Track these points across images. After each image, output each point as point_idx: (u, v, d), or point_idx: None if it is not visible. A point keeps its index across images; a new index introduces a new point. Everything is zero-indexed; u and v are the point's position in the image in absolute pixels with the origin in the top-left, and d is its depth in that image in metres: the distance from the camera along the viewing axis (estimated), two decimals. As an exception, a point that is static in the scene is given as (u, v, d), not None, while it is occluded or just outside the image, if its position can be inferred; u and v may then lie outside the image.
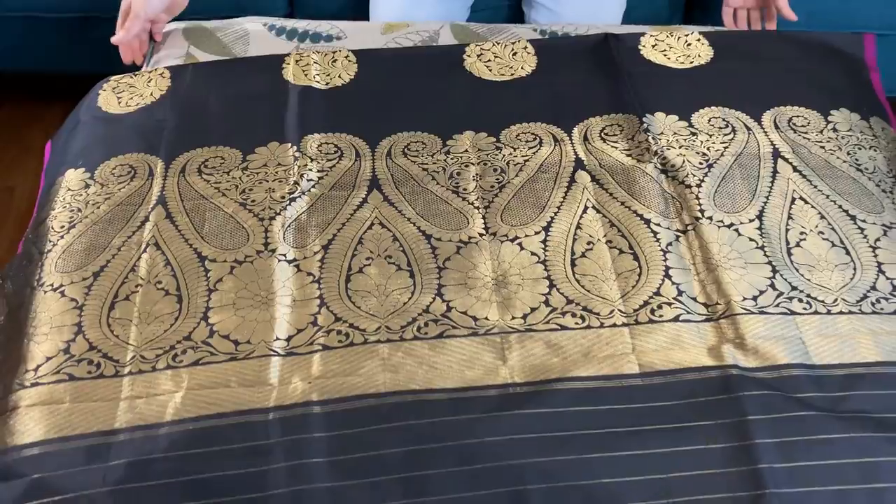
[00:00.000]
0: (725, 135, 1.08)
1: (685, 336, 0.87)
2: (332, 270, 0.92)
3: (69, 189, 1.03)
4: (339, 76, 1.17)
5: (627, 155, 1.05)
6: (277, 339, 0.86)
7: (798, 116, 1.11)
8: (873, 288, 0.91)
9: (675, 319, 0.88)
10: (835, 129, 1.09)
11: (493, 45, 1.22)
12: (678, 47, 1.21)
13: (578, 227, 0.97)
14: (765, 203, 0.99)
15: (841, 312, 0.89)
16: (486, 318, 0.88)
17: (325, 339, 0.86)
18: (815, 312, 0.89)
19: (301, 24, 1.32)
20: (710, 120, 1.10)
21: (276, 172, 1.03)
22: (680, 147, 1.06)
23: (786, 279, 0.91)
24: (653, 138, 1.06)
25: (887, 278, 0.92)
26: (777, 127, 1.09)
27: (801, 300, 0.90)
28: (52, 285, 0.91)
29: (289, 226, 0.97)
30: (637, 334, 0.87)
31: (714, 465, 0.77)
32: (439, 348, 0.85)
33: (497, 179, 1.03)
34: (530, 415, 0.80)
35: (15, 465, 0.77)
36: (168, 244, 0.95)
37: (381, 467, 0.77)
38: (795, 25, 1.34)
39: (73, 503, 0.75)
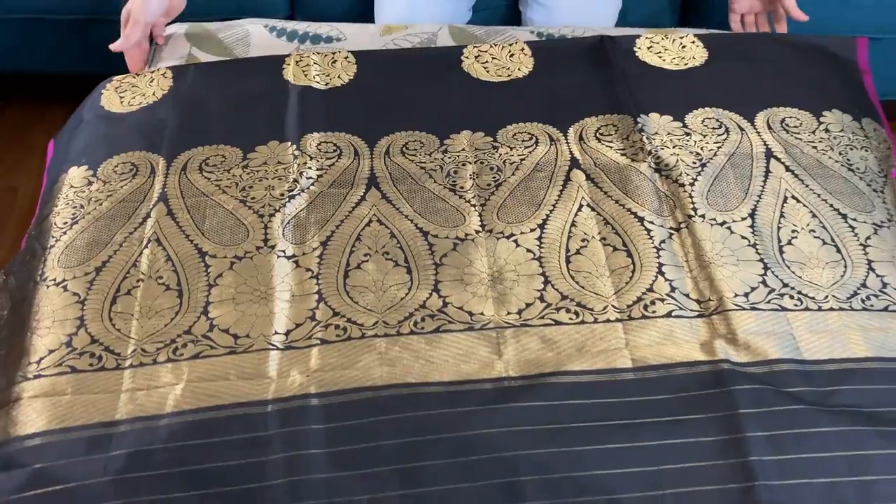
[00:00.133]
0: (719, 135, 1.09)
1: (678, 331, 0.88)
2: (331, 266, 0.94)
3: (72, 186, 1.04)
4: (339, 76, 1.19)
5: (622, 154, 1.07)
6: (276, 333, 0.88)
7: (791, 117, 1.12)
8: (863, 285, 0.93)
9: (668, 315, 0.89)
10: (827, 130, 1.11)
11: (491, 46, 1.24)
12: (673, 49, 1.22)
13: (573, 224, 0.98)
14: (757, 202, 1.01)
15: (831, 309, 0.90)
16: (482, 314, 0.89)
17: (324, 334, 0.87)
18: (806, 309, 0.90)
19: (301, 26, 1.34)
20: (703, 120, 1.11)
21: (276, 170, 1.05)
22: (674, 147, 1.07)
23: (777, 276, 0.93)
24: (647, 138, 1.08)
25: (877, 276, 0.94)
26: (770, 127, 1.10)
27: (792, 297, 0.91)
28: (54, 280, 0.93)
29: (288, 222, 0.98)
30: (630, 330, 0.88)
31: (705, 458, 0.78)
32: (435, 343, 0.87)
33: (493, 178, 1.04)
34: (525, 407, 0.81)
35: (17, 455, 0.78)
36: (169, 240, 0.96)
37: (378, 458, 0.78)
38: (797, 27, 1.33)
39: (74, 492, 0.76)
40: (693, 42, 1.24)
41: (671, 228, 0.98)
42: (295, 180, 1.03)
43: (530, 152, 1.07)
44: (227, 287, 0.92)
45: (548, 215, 0.99)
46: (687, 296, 0.91)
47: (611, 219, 0.99)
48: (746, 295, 0.91)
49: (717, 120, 1.11)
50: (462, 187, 1.03)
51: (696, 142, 1.08)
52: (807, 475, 0.78)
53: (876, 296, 0.92)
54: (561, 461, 0.78)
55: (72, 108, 1.21)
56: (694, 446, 0.79)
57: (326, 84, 1.18)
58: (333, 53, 1.22)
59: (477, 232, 0.97)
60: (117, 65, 1.27)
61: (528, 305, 0.90)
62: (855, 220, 0.99)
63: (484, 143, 1.09)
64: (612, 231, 0.97)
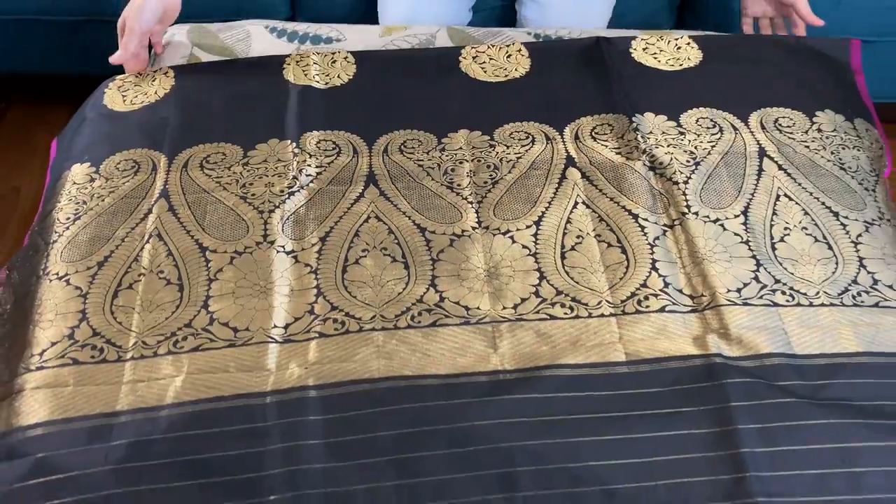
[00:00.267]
0: (713, 134, 1.10)
1: (671, 326, 0.89)
2: (329, 261, 0.95)
3: (75, 183, 1.06)
4: (338, 76, 1.20)
5: (617, 153, 1.08)
6: (275, 326, 0.89)
7: (784, 117, 1.13)
8: (854, 281, 0.94)
9: (662, 310, 0.90)
10: (819, 130, 1.12)
11: (489, 47, 1.25)
12: (668, 50, 1.24)
13: (568, 221, 1.00)
14: (750, 199, 1.02)
15: (823, 304, 0.91)
16: (478, 308, 0.91)
17: (322, 327, 0.89)
18: (798, 304, 0.91)
19: (301, 27, 1.35)
20: (697, 120, 1.13)
21: (276, 168, 1.06)
22: (668, 146, 1.09)
23: (769, 272, 0.94)
24: (642, 137, 1.09)
25: (868, 272, 0.95)
26: (763, 127, 1.12)
27: (784, 292, 0.92)
28: (57, 274, 0.94)
29: (287, 218, 1.00)
30: (624, 324, 0.89)
31: (697, 450, 0.79)
32: (432, 336, 0.88)
33: (490, 175, 1.05)
34: (520, 400, 0.83)
35: (19, 445, 0.80)
36: (170, 235, 0.98)
37: (375, 449, 0.79)
38: (810, 31, 1.31)
39: (76, 481, 0.77)
40: (688, 43, 1.25)
41: (665, 225, 0.99)
42: (294, 177, 1.04)
43: (527, 151, 1.09)
44: (227, 281, 0.93)
45: (543, 212, 1.01)
46: (680, 291, 0.93)
47: (605, 216, 1.00)
48: (739, 290, 0.92)
49: (712, 120, 1.12)
50: (459, 185, 1.04)
51: (690, 141, 1.09)
52: (797, 467, 0.79)
53: (867, 292, 0.93)
54: (555, 452, 0.79)
55: (73, 109, 1.22)
56: (686, 438, 0.80)
57: (326, 83, 1.19)
58: (333, 54, 1.24)
59: (473, 228, 0.99)
60: (115, 66, 1.28)
61: (523, 300, 0.91)
62: (846, 217, 1.01)
63: (481, 142, 1.10)
64: (607, 228, 0.99)
